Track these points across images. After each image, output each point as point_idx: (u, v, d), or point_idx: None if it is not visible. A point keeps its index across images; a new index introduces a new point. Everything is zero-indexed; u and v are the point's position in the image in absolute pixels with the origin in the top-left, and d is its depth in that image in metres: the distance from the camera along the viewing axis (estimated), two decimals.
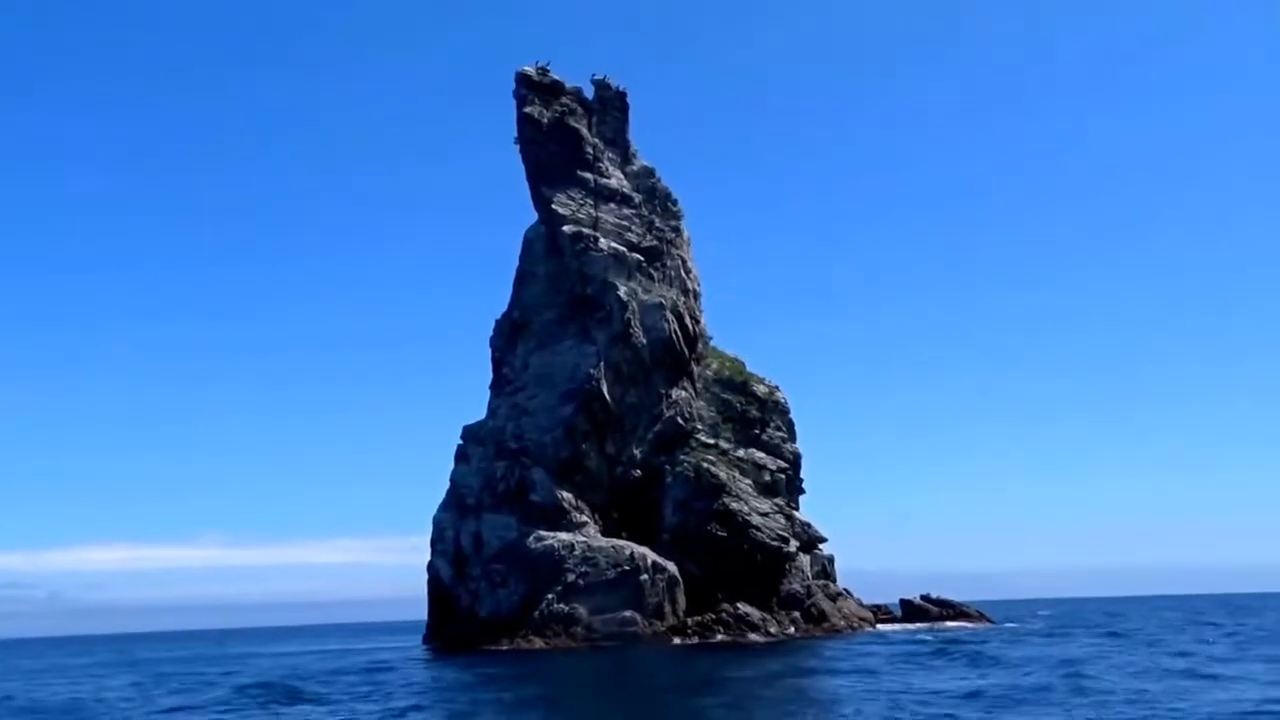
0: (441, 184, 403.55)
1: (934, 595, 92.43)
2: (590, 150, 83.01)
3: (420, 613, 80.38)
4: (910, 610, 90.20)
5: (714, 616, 70.99)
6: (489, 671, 50.10)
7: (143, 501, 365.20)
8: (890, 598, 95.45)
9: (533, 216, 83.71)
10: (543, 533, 71.34)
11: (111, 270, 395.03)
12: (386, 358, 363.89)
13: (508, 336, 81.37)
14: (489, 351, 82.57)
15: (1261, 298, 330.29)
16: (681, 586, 71.31)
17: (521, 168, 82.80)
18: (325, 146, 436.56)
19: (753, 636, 68.97)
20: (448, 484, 78.46)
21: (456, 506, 76.43)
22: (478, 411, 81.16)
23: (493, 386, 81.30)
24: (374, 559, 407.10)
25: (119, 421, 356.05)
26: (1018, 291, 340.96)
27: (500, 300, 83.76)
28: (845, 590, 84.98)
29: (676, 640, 67.78)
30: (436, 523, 76.90)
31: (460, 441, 79.44)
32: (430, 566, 76.20)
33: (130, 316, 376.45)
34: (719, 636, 68.68)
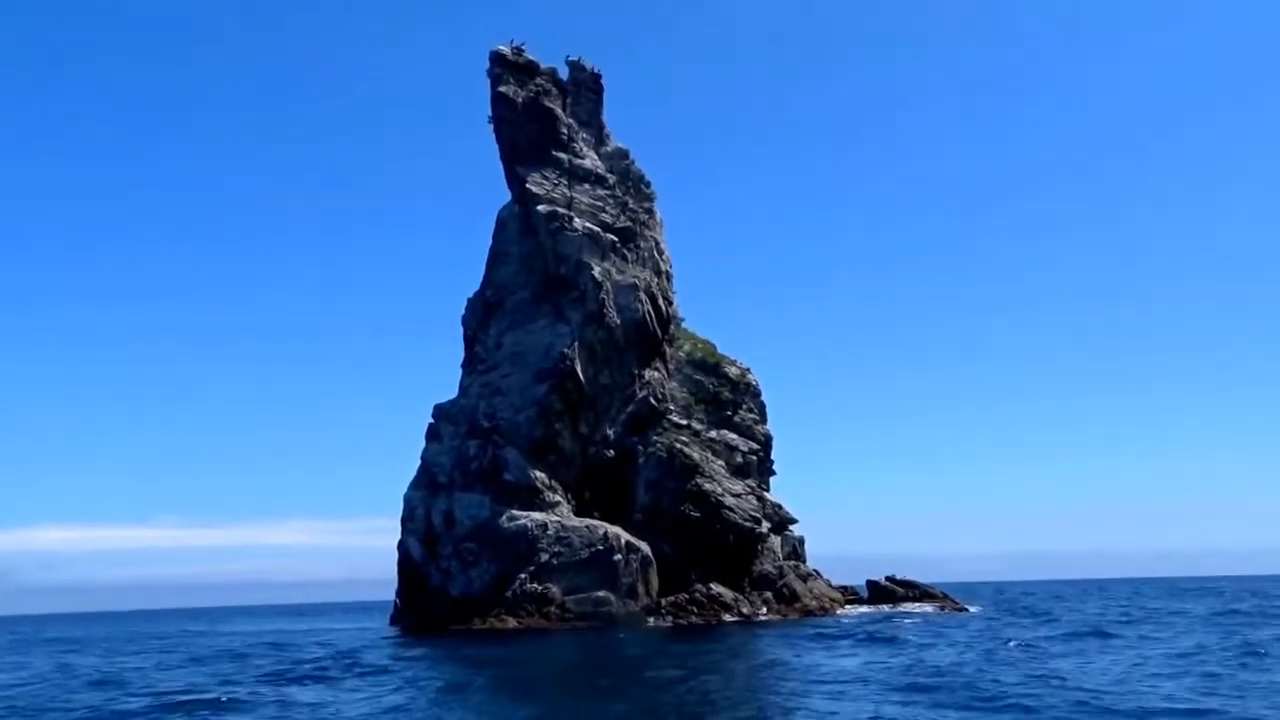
0: (413, 163, 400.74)
1: (899, 576, 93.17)
2: (565, 130, 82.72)
3: (379, 594, 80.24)
4: (876, 591, 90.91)
5: (687, 596, 71.27)
6: (462, 653, 49.84)
7: (97, 481, 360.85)
8: (852, 579, 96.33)
9: (506, 196, 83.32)
10: (515, 512, 71.23)
11: (69, 251, 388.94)
12: (345, 342, 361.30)
13: (480, 316, 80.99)
14: (443, 337, 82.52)
15: (1198, 289, 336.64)
16: (655, 567, 71.51)
17: (495, 147, 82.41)
18: (294, 127, 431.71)
19: (726, 617, 69.37)
20: (405, 467, 78.66)
21: (427, 485, 76.07)
22: (438, 395, 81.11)
23: (465, 365, 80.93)
24: (329, 541, 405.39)
25: (73, 401, 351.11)
26: (988, 282, 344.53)
27: (465, 281, 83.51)
28: (815, 571, 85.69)
29: (651, 620, 68.00)
30: (407, 501, 76.49)
31: (431, 420, 79.05)
32: (400, 545, 75.80)
33: (87, 298, 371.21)
34: (693, 617, 68.98)
